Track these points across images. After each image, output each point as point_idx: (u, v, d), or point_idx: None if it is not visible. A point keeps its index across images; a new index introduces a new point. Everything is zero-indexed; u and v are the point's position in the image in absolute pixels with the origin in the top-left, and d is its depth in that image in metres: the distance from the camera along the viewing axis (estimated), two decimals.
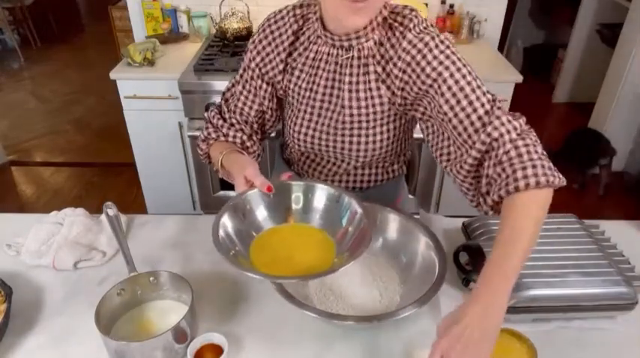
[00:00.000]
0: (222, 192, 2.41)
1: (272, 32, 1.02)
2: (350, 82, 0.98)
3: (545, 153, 0.84)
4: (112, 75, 2.20)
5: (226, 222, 0.89)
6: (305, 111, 1.04)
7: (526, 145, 0.83)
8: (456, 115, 0.87)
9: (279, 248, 0.91)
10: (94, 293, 0.95)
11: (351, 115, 0.99)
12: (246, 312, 0.95)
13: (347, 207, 0.93)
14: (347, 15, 0.87)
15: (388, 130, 1.02)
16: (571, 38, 3.71)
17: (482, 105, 0.86)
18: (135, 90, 2.21)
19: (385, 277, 0.97)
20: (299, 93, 1.04)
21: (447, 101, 0.87)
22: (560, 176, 0.82)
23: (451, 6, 2.55)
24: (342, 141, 1.03)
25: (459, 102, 0.86)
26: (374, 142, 1.03)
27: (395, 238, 1.01)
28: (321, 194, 0.96)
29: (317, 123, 1.03)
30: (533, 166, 0.80)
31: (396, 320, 0.82)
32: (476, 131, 0.86)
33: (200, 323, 0.91)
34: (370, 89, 0.97)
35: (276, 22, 1.02)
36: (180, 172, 2.44)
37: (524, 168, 0.80)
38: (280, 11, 1.02)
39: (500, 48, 2.76)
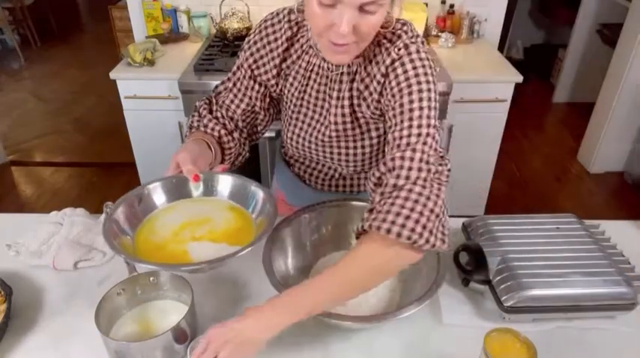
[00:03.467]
0: None
1: (267, 35, 1.01)
2: (338, 98, 0.98)
3: (438, 212, 0.79)
4: (112, 75, 2.20)
5: (120, 213, 0.88)
6: (297, 119, 1.05)
7: (420, 194, 0.79)
8: (390, 127, 0.87)
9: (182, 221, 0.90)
10: (94, 293, 0.94)
11: (337, 131, 1.00)
12: None
13: (253, 196, 0.94)
14: (330, 54, 0.87)
15: (372, 143, 1.03)
16: (571, 38, 3.71)
17: (419, 134, 0.84)
18: (135, 90, 2.21)
19: None
20: (292, 101, 1.04)
21: (394, 113, 0.87)
22: (433, 241, 0.78)
23: (451, 6, 2.55)
24: (331, 152, 1.05)
25: (401, 114, 0.86)
26: (363, 154, 1.05)
27: None
28: (226, 181, 0.96)
29: (307, 132, 1.05)
30: (407, 218, 0.77)
31: (396, 320, 0.82)
32: (392, 149, 0.85)
33: (200, 323, 0.91)
34: (352, 105, 0.98)
35: (272, 25, 1.01)
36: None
37: (397, 214, 0.77)
38: (277, 14, 1.01)
39: (501, 48, 2.76)
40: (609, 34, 3.34)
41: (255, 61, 1.03)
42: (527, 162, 3.21)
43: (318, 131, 1.03)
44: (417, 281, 0.92)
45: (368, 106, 0.96)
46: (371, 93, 0.94)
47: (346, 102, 0.97)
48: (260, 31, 1.03)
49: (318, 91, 1.00)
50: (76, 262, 1.05)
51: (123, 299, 0.90)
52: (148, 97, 2.22)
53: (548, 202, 2.87)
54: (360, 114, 0.98)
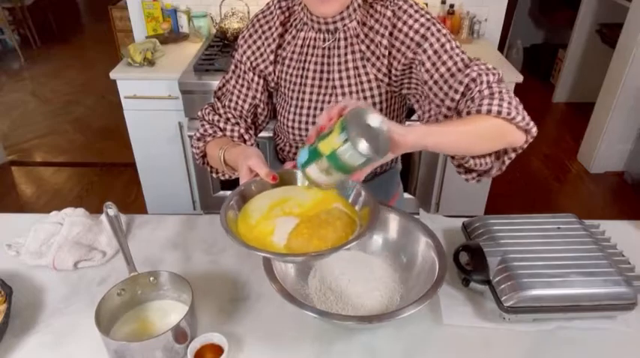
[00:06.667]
0: (222, 192, 2.41)
1: (261, 26, 1.05)
2: (339, 63, 1.01)
3: (517, 99, 0.90)
4: (112, 75, 2.20)
5: (234, 204, 0.88)
6: (297, 99, 1.06)
7: (500, 89, 0.89)
8: (437, 70, 0.93)
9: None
10: (94, 293, 0.95)
11: (343, 94, 1.03)
12: (246, 312, 0.95)
13: (352, 187, 0.92)
14: (315, 5, 0.93)
15: (379, 110, 1.04)
16: (571, 38, 3.71)
17: (462, 59, 0.94)
18: (135, 90, 2.21)
19: (385, 277, 0.97)
20: (290, 81, 1.06)
21: (429, 58, 0.93)
22: (527, 119, 0.88)
23: (451, 6, 2.55)
24: None
25: (440, 57, 0.93)
26: None
27: (395, 238, 1.01)
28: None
29: (309, 108, 1.06)
30: (501, 99, 0.86)
31: (396, 320, 0.82)
32: (455, 79, 0.91)
33: (200, 323, 0.91)
34: (357, 68, 1.01)
35: (264, 16, 1.05)
36: (181, 172, 2.44)
37: (491, 100, 0.86)
38: (268, 7, 1.06)
39: (501, 48, 2.75)
40: (609, 34, 3.34)
41: (253, 53, 1.06)
42: (527, 162, 3.21)
43: (323, 102, 1.04)
44: (417, 281, 0.92)
45: (373, 64, 1.00)
46: (373, 52, 0.99)
47: (350, 65, 1.01)
48: (253, 25, 1.06)
49: (316, 64, 1.03)
50: (76, 262, 1.05)
51: (123, 299, 0.90)
52: (148, 97, 2.22)
53: (548, 202, 2.87)
54: (365, 78, 1.01)
